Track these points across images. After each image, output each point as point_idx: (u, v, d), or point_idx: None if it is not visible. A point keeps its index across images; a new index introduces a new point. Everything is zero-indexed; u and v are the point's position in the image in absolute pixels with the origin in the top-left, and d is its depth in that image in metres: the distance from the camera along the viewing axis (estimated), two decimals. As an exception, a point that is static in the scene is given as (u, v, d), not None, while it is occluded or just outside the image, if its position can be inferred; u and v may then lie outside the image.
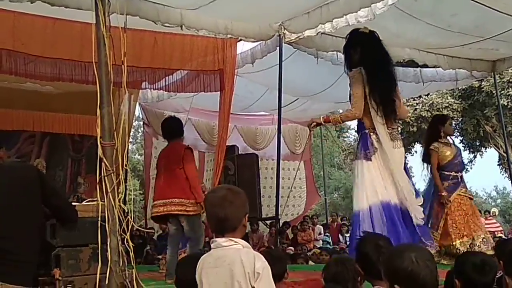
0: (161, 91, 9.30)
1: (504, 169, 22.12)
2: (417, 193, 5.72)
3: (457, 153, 7.10)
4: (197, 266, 2.75)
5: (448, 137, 7.23)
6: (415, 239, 5.40)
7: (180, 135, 6.59)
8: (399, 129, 5.82)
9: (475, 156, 22.16)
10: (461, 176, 7.01)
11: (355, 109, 5.59)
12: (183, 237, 6.47)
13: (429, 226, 6.79)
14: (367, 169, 5.54)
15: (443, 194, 6.81)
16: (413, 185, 5.78)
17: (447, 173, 6.91)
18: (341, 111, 5.89)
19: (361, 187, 5.53)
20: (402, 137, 20.39)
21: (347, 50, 5.85)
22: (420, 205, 5.64)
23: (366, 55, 5.63)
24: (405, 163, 5.85)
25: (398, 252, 2.50)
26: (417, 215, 5.54)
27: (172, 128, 6.60)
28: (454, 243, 6.78)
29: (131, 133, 16.86)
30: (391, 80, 5.71)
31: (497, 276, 3.99)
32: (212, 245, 2.73)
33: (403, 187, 5.51)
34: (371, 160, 5.54)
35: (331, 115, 5.95)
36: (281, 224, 11.86)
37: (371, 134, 5.59)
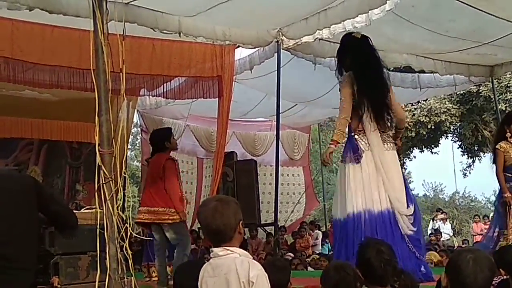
0: (160, 97, 9.31)
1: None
2: (409, 201, 5.53)
3: None
4: (200, 274, 2.76)
5: None
6: (402, 248, 5.24)
7: (161, 148, 6.59)
8: (390, 133, 5.71)
9: (473, 161, 22.16)
10: None
11: (343, 114, 5.49)
12: (169, 245, 6.56)
13: (499, 227, 6.67)
14: (354, 173, 5.45)
15: (505, 195, 6.49)
16: (408, 191, 5.66)
17: (510, 175, 6.58)
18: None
19: (349, 193, 5.43)
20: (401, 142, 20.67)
21: (339, 55, 5.84)
22: (410, 215, 5.44)
23: (357, 60, 5.60)
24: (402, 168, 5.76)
25: (464, 249, 2.82)
26: (404, 224, 5.38)
27: (157, 142, 6.65)
28: None
29: (130, 140, 16.83)
30: (383, 85, 5.64)
31: (496, 282, 3.99)
32: (210, 255, 2.74)
33: (391, 191, 5.40)
34: (360, 163, 5.44)
35: (333, 140, 5.57)
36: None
37: (357, 136, 5.52)
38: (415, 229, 5.43)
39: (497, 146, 6.63)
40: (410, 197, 5.60)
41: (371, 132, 5.47)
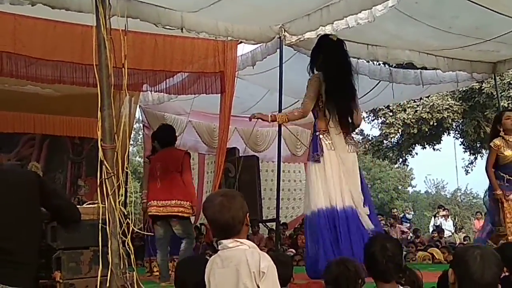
0: (162, 93, 9.30)
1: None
2: (365, 201, 5.75)
3: None
4: (207, 266, 2.78)
5: None
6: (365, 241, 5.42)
7: (175, 142, 6.84)
8: (352, 136, 5.97)
9: (475, 158, 22.15)
10: None
11: (303, 108, 5.81)
12: (170, 241, 6.63)
13: (493, 225, 6.68)
14: (315, 172, 5.68)
15: (497, 192, 6.50)
16: (366, 192, 5.88)
17: (501, 173, 6.57)
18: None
19: (311, 191, 5.69)
20: (403, 138, 20.63)
21: (313, 53, 6.03)
22: (367, 215, 5.68)
23: (329, 61, 5.80)
24: (359, 169, 5.92)
25: (470, 245, 2.85)
26: (365, 222, 5.59)
27: (170, 136, 6.79)
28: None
29: (132, 136, 16.84)
30: (351, 90, 5.82)
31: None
32: (219, 247, 2.76)
33: (353, 191, 5.63)
34: (319, 162, 5.67)
35: (278, 114, 6.06)
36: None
37: (321, 136, 5.73)
38: (372, 227, 5.64)
39: (491, 144, 6.69)
40: (366, 198, 5.82)
41: (335, 135, 5.69)
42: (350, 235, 5.46)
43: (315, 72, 5.88)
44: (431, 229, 17.02)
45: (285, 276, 3.64)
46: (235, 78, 8.33)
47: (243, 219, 2.74)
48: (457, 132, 21.00)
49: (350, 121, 5.78)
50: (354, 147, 5.86)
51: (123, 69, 4.30)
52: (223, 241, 2.74)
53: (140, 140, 26.81)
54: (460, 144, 21.60)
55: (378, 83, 9.83)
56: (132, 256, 4.05)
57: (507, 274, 3.94)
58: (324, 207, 5.54)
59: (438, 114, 18.47)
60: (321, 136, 5.73)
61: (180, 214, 6.33)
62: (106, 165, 4.04)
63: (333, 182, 5.60)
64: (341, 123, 5.69)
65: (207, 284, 2.76)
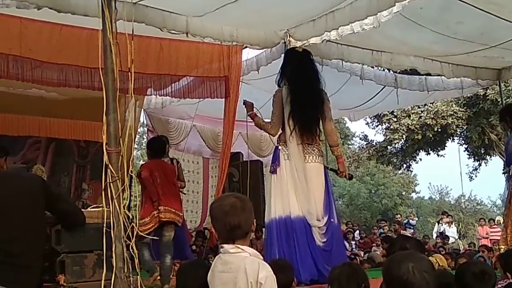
0: (166, 97, 9.32)
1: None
2: (326, 213, 5.72)
3: None
4: (211, 267, 2.78)
5: None
6: (317, 259, 5.44)
7: (163, 154, 7.09)
8: (319, 146, 5.96)
9: (480, 164, 22.13)
10: None
11: (272, 129, 6.01)
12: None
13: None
14: (273, 183, 5.82)
15: None
16: (330, 203, 5.82)
17: None
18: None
19: (269, 201, 5.82)
20: (407, 144, 20.61)
21: (282, 67, 6.18)
22: (322, 226, 5.65)
23: (293, 73, 5.92)
24: (327, 180, 5.89)
25: (396, 260, 2.45)
26: (317, 236, 5.60)
27: (164, 147, 7.15)
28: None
29: (136, 140, 16.86)
30: (315, 99, 5.86)
31: (503, 285, 3.98)
32: (221, 250, 2.76)
33: (308, 202, 5.64)
34: (276, 173, 5.80)
35: (257, 117, 6.26)
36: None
37: (280, 147, 5.89)
38: (324, 240, 5.63)
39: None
40: (329, 209, 5.79)
41: (295, 145, 5.76)
42: (305, 243, 5.52)
43: (281, 86, 6.00)
44: (434, 235, 16.99)
45: (285, 282, 3.64)
46: (240, 82, 8.33)
47: (251, 224, 2.75)
48: (461, 138, 21.00)
49: (316, 130, 5.83)
50: (315, 158, 5.82)
51: (129, 73, 4.31)
52: (224, 245, 2.72)
53: (144, 144, 26.87)
54: (465, 150, 21.62)
55: (383, 88, 9.82)
56: (136, 260, 4.06)
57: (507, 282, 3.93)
58: (278, 217, 5.62)
59: (442, 120, 18.47)
60: (280, 147, 5.88)
61: (177, 222, 6.47)
62: (111, 168, 4.05)
63: (287, 191, 5.67)
64: (303, 133, 5.74)
65: (210, 285, 2.77)
